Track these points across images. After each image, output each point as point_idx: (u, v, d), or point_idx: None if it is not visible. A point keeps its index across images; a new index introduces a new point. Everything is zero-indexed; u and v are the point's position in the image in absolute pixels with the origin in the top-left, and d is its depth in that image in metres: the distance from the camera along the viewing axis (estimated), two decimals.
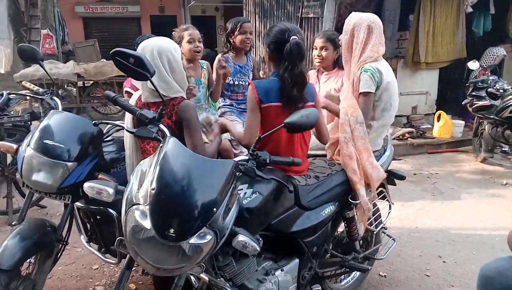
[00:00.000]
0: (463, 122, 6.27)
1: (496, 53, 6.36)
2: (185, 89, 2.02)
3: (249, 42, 2.97)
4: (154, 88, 1.70)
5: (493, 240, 3.31)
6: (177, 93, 1.94)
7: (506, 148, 5.44)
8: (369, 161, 2.18)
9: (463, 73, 6.78)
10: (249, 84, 1.97)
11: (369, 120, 2.28)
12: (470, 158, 5.62)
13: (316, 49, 2.69)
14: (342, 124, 2.22)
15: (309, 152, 2.18)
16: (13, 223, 2.09)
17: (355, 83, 2.26)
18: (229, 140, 2.67)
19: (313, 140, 2.19)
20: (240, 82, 3.03)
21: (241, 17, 3.13)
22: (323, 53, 2.67)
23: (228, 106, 3.06)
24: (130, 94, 2.75)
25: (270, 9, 7.43)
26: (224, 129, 2.15)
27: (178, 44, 2.68)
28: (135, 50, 1.92)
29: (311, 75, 2.76)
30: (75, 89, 7.51)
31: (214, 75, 2.82)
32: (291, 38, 1.85)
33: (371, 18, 2.28)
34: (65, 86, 7.51)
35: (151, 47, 1.90)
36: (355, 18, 2.29)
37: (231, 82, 3.00)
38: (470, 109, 5.30)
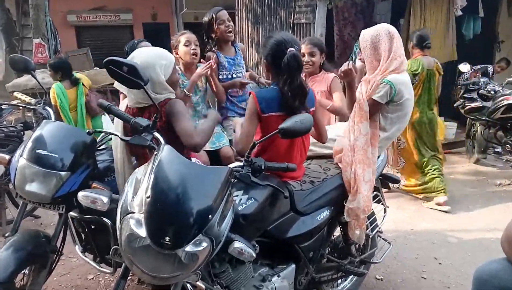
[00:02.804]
0: (455, 124, 6.31)
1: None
2: (165, 92, 1.99)
3: (231, 29, 2.85)
4: (145, 95, 1.75)
5: (488, 241, 3.33)
6: (162, 97, 1.93)
7: (498, 148, 5.48)
8: (363, 174, 2.11)
9: (454, 76, 6.85)
10: (250, 93, 1.97)
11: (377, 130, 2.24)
12: (464, 160, 5.66)
13: (304, 55, 2.71)
14: (347, 130, 2.20)
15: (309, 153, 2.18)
16: (6, 235, 2.08)
17: (372, 88, 2.18)
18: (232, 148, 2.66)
19: (312, 139, 2.19)
20: (238, 75, 2.93)
21: (214, 8, 2.89)
22: (312, 59, 2.71)
23: (230, 106, 2.95)
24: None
25: (262, 15, 7.47)
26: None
27: (174, 48, 2.68)
28: (127, 57, 1.92)
29: None
30: None
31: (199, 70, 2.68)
32: (288, 50, 1.85)
33: (386, 26, 2.21)
34: None
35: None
36: (370, 33, 2.20)
37: (228, 76, 2.90)
38: (462, 111, 5.34)
